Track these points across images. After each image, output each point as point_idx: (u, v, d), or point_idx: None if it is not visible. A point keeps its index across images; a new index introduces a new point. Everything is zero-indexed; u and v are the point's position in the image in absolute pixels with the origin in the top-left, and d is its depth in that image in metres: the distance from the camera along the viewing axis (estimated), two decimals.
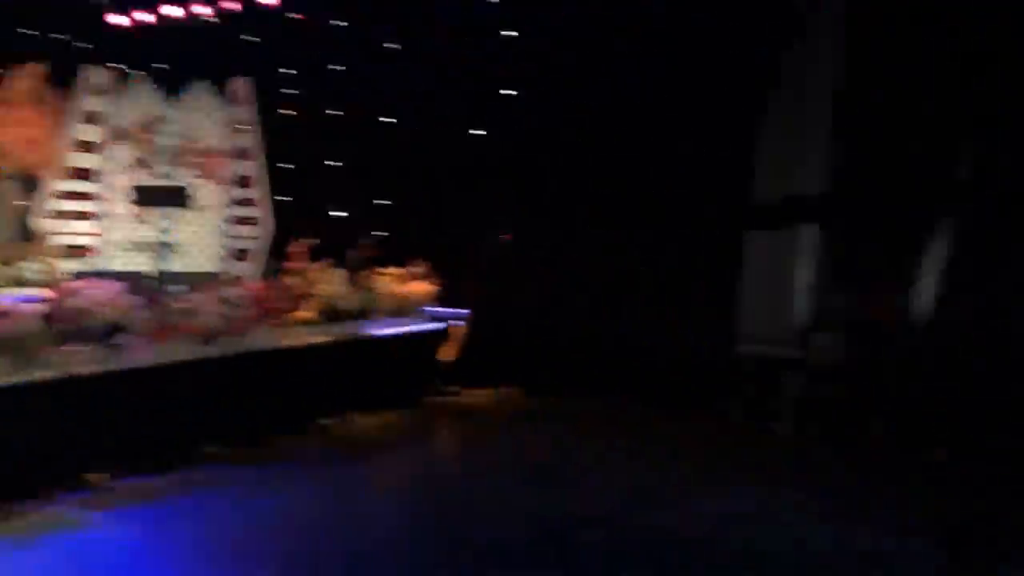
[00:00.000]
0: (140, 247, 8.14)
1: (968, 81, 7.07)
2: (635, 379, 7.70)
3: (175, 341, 5.87)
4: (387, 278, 8.39)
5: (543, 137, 8.70)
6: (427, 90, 9.08)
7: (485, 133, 9.07)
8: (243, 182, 8.50)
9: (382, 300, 8.24)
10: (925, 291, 7.71)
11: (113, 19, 9.60)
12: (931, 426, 6.32)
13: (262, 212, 8.50)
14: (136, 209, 8.03)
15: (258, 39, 9.37)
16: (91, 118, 8.21)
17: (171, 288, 7.05)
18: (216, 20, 9.50)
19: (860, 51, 7.78)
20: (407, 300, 8.40)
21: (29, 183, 7.89)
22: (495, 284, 8.93)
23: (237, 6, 9.42)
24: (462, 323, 8.49)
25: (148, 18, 9.57)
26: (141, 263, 7.99)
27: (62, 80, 7.95)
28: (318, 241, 8.06)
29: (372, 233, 8.78)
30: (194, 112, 8.45)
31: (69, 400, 4.91)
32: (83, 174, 8.16)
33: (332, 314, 7.62)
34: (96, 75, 8.25)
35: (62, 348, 5.09)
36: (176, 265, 7.95)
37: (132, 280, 6.31)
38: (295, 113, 9.49)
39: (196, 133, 8.41)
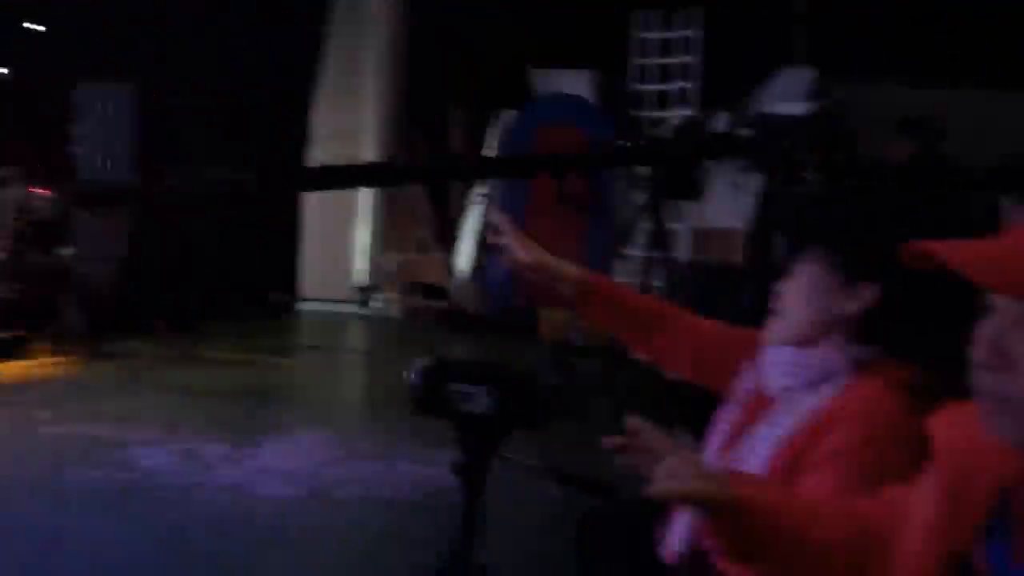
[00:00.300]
0: None
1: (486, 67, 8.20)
2: (197, 335, 7.51)
3: None
4: None
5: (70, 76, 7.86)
6: None
7: (6, 71, 7.96)
8: None
9: None
10: (464, 254, 8.75)
11: None
12: None
13: None
14: None
15: None
16: None
17: None
18: None
19: (409, 34, 8.51)
20: None
21: None
22: (34, 239, 7.95)
23: None
24: None
25: None
26: None
27: None
28: None
29: None
30: None
31: None
32: None
33: None
34: None
35: None
36: None
37: None
38: None
39: None
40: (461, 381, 1.36)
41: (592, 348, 6.04)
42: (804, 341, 1.52)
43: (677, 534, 1.67)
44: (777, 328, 1.58)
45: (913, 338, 1.52)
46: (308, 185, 6.24)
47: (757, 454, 1.51)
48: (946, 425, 0.97)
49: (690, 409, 2.02)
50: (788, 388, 1.53)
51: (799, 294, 1.53)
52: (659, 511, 1.89)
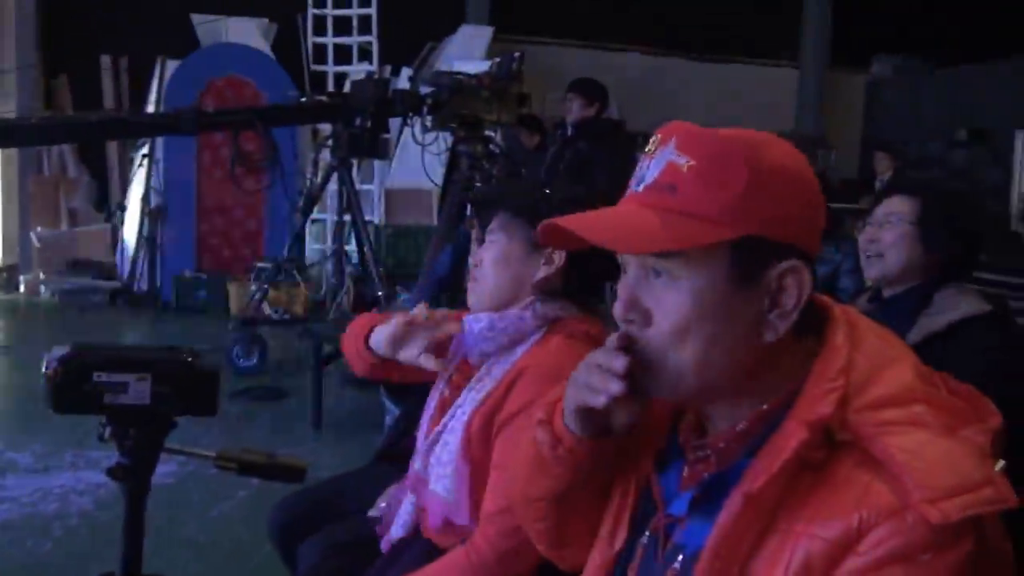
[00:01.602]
0: None
1: None
2: None
3: None
4: None
5: None
6: None
7: None
8: None
9: None
10: (130, 224, 7.83)
11: None
12: None
13: None
14: None
15: None
16: None
17: None
18: None
19: None
20: None
21: None
22: None
23: None
24: None
25: None
26: None
27: None
28: None
29: None
30: None
31: None
32: None
33: None
34: None
35: None
36: None
37: None
38: None
39: None
40: (108, 370, 1.13)
41: (289, 321, 5.69)
42: (500, 306, 1.55)
43: (399, 519, 1.63)
44: (475, 295, 1.59)
45: (597, 291, 1.63)
46: None
47: (460, 421, 1.52)
48: None
49: (405, 388, 1.95)
50: (486, 353, 1.55)
51: (493, 262, 1.55)
52: (353, 489, 1.87)
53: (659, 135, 0.87)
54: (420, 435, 1.65)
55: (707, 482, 0.86)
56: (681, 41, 10.69)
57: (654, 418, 0.96)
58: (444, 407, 1.60)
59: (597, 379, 0.86)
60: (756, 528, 0.79)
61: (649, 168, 0.86)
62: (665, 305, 0.84)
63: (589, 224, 0.87)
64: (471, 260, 1.60)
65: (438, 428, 1.57)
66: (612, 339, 0.87)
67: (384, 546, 1.64)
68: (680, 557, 0.86)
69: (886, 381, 0.81)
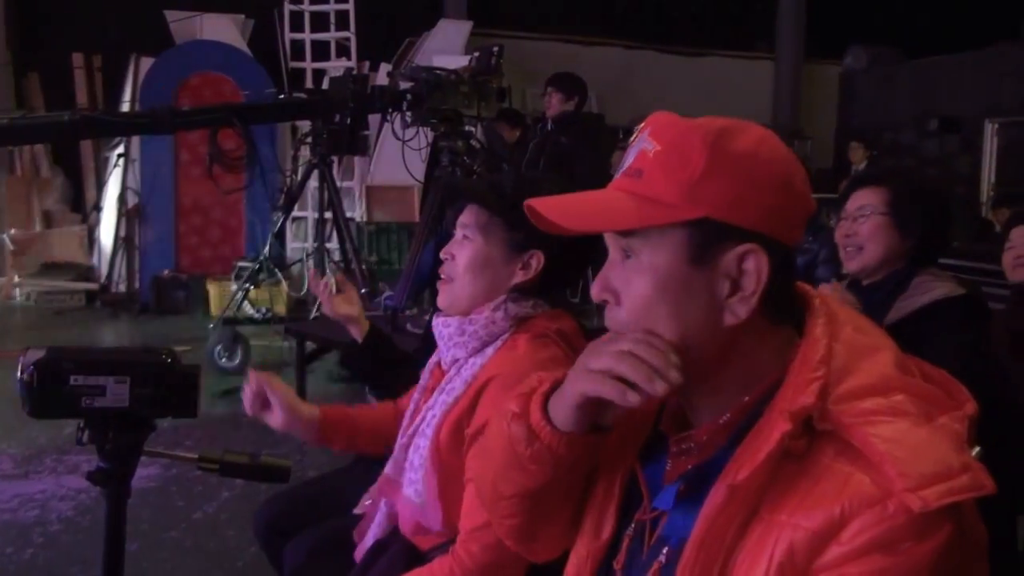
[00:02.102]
0: None
1: None
2: None
3: None
4: None
5: None
6: None
7: None
8: None
9: None
10: (106, 224, 7.74)
11: None
12: None
13: None
14: None
15: None
16: None
17: None
18: None
19: None
20: None
21: None
22: None
23: None
24: None
25: None
26: None
27: None
28: None
29: None
30: None
31: None
32: None
33: None
34: None
35: None
36: None
37: None
38: None
39: None
40: (85, 373, 1.11)
41: (271, 320, 5.64)
42: (473, 309, 1.52)
43: (374, 526, 1.62)
44: (447, 298, 1.55)
45: (570, 286, 1.63)
46: None
47: (430, 425, 1.51)
48: None
49: (390, 387, 1.94)
50: (457, 357, 1.53)
51: (468, 265, 1.51)
52: (339, 488, 1.87)
53: (640, 125, 0.89)
54: (397, 441, 1.64)
55: (691, 474, 0.86)
56: (658, 34, 10.73)
57: (639, 410, 0.96)
58: (419, 411, 1.58)
59: (630, 370, 0.81)
60: (740, 519, 0.79)
61: (627, 156, 0.89)
62: (629, 284, 0.86)
63: (562, 207, 0.90)
64: (442, 253, 1.56)
65: (410, 431, 1.56)
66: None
67: (359, 556, 1.62)
68: (665, 549, 0.86)
69: (865, 371, 0.82)
